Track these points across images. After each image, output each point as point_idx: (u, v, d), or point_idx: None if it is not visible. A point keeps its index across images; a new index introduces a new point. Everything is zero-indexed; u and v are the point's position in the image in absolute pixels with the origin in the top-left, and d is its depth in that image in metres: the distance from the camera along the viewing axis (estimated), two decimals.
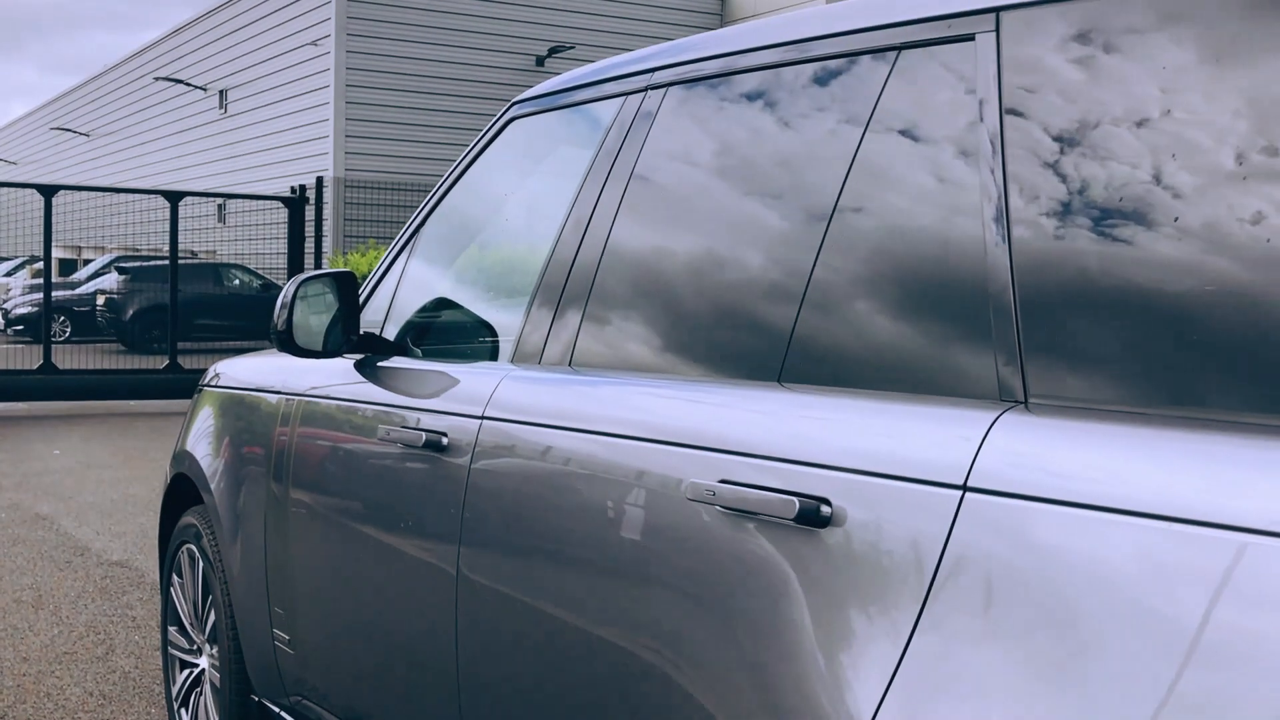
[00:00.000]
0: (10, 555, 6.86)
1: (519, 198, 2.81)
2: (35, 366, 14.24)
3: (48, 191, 14.21)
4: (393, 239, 3.14)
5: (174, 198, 14.87)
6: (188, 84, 31.76)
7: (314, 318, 2.95)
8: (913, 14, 1.80)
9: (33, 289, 24.59)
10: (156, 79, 33.53)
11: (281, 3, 27.43)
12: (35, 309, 23.36)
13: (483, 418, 2.35)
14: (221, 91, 30.46)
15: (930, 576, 1.46)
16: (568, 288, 2.32)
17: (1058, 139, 1.56)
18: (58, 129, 42.94)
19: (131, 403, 14.61)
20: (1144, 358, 1.42)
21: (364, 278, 2.97)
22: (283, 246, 16.27)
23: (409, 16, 25.47)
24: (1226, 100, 1.40)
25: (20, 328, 23.96)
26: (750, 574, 1.69)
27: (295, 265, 15.73)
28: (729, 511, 1.74)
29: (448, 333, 2.95)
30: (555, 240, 2.39)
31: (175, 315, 14.98)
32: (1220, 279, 1.37)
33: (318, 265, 16.35)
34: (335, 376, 3.00)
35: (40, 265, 25.72)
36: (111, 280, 22.78)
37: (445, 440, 2.43)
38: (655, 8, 27.88)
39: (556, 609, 2.09)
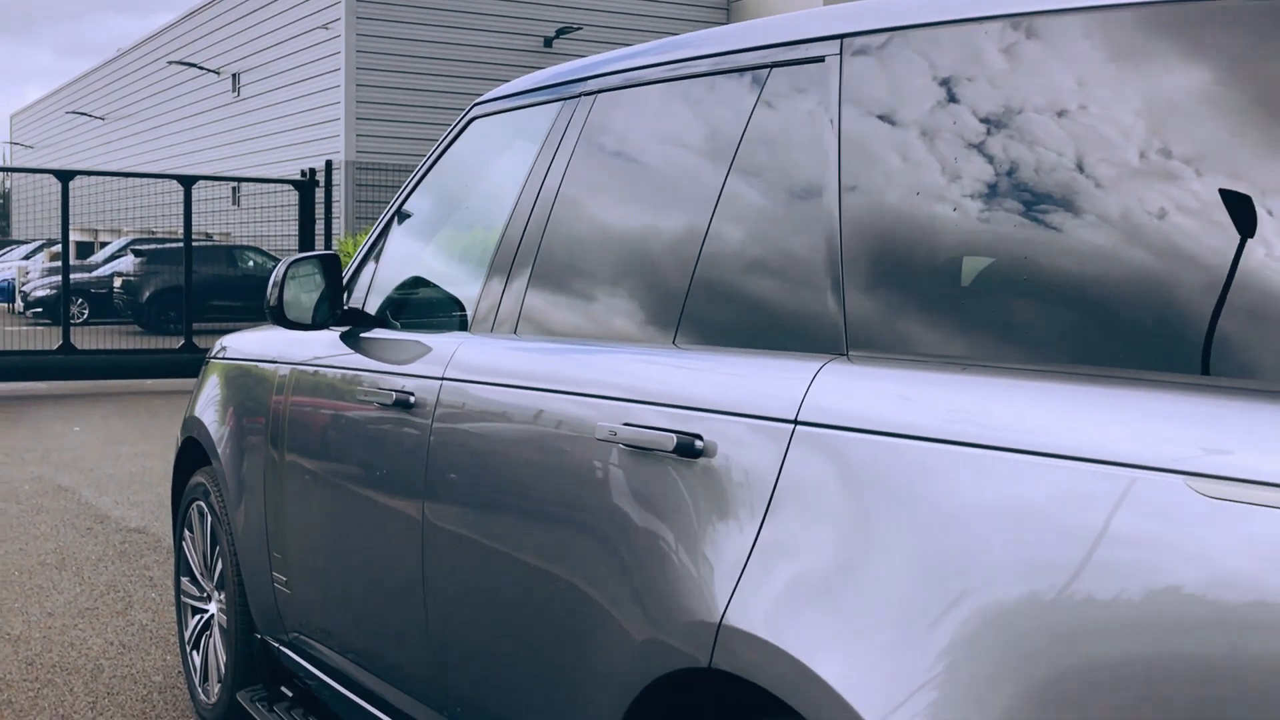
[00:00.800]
0: (35, 523, 7.29)
1: (478, 187, 3.20)
2: (55, 347, 14.69)
3: (65, 177, 14.63)
4: None
5: (187, 182, 15.28)
6: (201, 68, 32.16)
7: (304, 295, 3.34)
8: (782, 38, 2.19)
9: (50, 272, 25.07)
10: (170, 63, 33.94)
11: None
12: (53, 291, 23.85)
13: (442, 379, 2.74)
14: (235, 75, 30.85)
15: (771, 488, 1.85)
16: (514, 266, 2.71)
17: (881, 142, 1.94)
18: (73, 113, 43.41)
19: (148, 382, 15.06)
20: (931, 322, 1.80)
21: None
22: (295, 228, 16.68)
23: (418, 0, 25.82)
24: (995, 110, 1.78)
25: (39, 310, 24.45)
26: (644, 495, 2.08)
27: (306, 246, 16.15)
28: (628, 448, 2.13)
29: (419, 306, 3.34)
30: (505, 225, 2.78)
31: (190, 296, 15.41)
32: (983, 265, 1.75)
33: (327, 246, 16.75)
34: (323, 347, 3.40)
35: (57, 248, 26.23)
36: (128, 263, 23.25)
37: (412, 399, 2.82)
38: None
39: (502, 535, 2.48)
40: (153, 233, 27.08)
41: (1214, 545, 1.35)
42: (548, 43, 26.99)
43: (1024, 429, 1.57)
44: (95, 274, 24.65)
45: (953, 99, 1.85)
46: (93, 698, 4.41)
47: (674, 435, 2.02)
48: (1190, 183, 1.55)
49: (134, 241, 25.12)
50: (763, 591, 1.83)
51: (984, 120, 1.80)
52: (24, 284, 26.51)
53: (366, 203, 24.42)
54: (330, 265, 3.29)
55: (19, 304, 26.15)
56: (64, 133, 45.91)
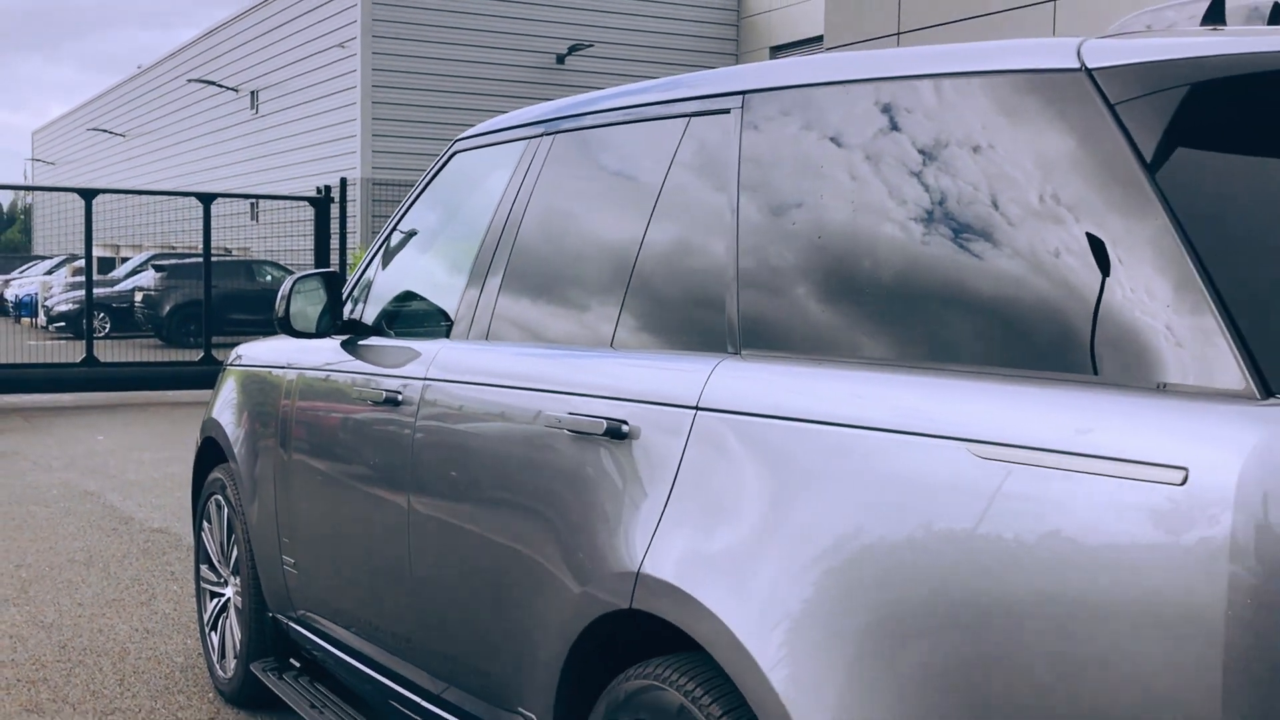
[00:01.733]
0: (63, 524, 7.74)
1: (459, 212, 3.63)
2: (78, 360, 15.19)
3: (88, 195, 15.14)
4: None
5: (206, 199, 15.79)
6: (220, 85, 32.77)
7: (309, 307, 3.78)
8: (700, 92, 2.62)
9: (72, 286, 25.63)
10: (190, 80, 34.57)
11: (309, 6, 28.36)
12: (75, 306, 24.42)
13: (425, 379, 3.17)
14: (253, 93, 31.45)
15: (678, 462, 2.28)
16: (487, 281, 3.14)
17: (768, 181, 2.36)
18: (94, 129, 44.12)
19: (169, 393, 15.54)
20: (803, 327, 2.23)
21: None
22: (311, 243, 17.18)
23: (432, 18, 26.35)
24: (856, 154, 2.21)
25: (62, 324, 25.03)
26: (581, 472, 2.51)
27: (321, 261, 16.63)
28: (571, 432, 2.56)
29: (409, 316, 3.77)
30: (479, 245, 3.22)
31: (209, 310, 15.90)
32: (841, 283, 2.18)
33: (342, 260, 17.23)
34: (325, 354, 3.84)
35: (78, 263, 26.81)
36: (148, 278, 23.80)
37: (400, 397, 3.26)
38: (672, 4, 28.63)
39: (471, 510, 2.91)
40: (173, 248, 27.66)
41: (982, 504, 1.77)
42: (560, 60, 27.49)
43: (863, 410, 1.99)
44: (116, 289, 25.21)
45: (823, 144, 2.28)
46: (120, 676, 4.85)
47: (605, 421, 2.45)
48: (998, 218, 1.97)
49: (154, 257, 25.67)
50: (670, 546, 2.25)
51: (846, 162, 2.23)
52: (47, 299, 27.09)
53: (381, 217, 24.92)
54: (332, 281, 3.74)
55: (41, 318, 26.73)
56: (85, 149, 46.64)
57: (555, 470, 2.61)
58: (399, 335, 3.66)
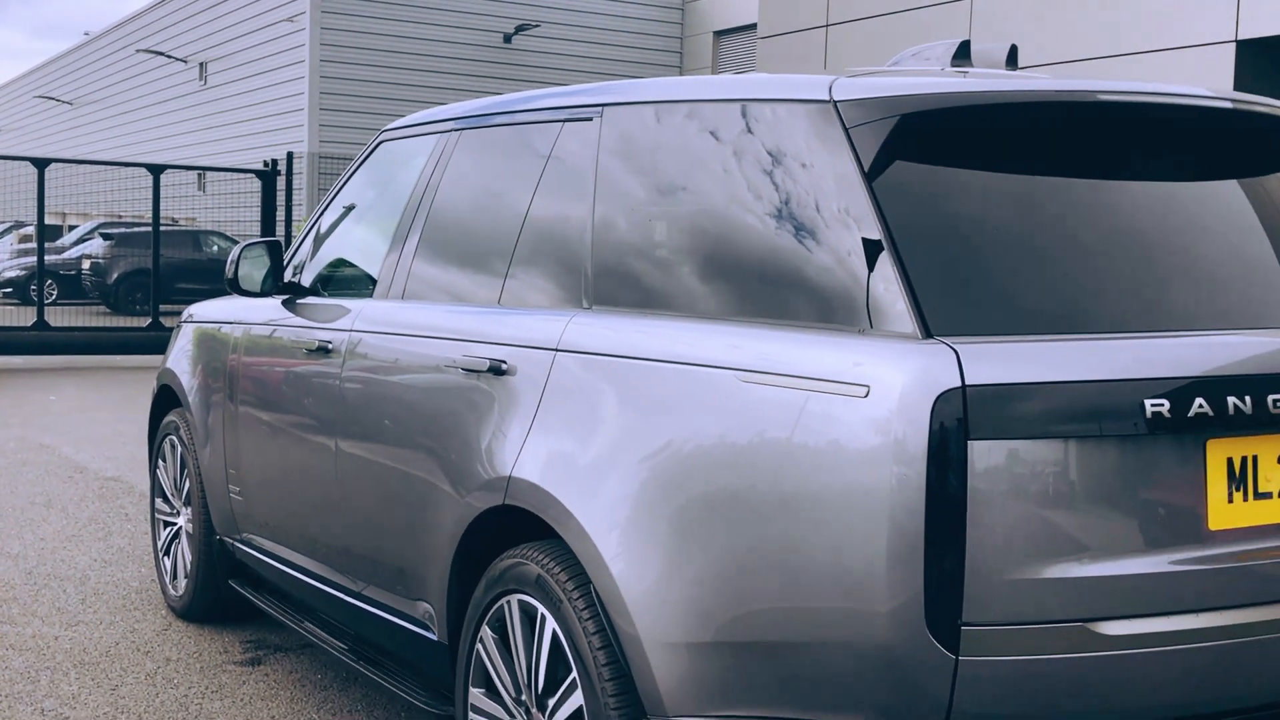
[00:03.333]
0: (22, 472, 8.32)
1: (383, 192, 4.28)
2: (29, 324, 15.65)
3: (41, 164, 15.57)
4: None
5: (156, 170, 16.27)
6: (169, 56, 32.98)
7: (255, 271, 4.42)
8: (572, 103, 3.30)
9: (20, 254, 25.91)
10: (139, 50, 34.73)
11: None
12: (23, 272, 24.72)
13: (351, 330, 3.84)
14: (202, 64, 31.69)
15: (542, 391, 2.96)
16: (403, 250, 3.80)
17: (619, 175, 3.04)
18: (42, 97, 44.06)
19: (117, 358, 16.04)
20: (638, 288, 2.91)
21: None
22: (257, 214, 17.69)
23: None
24: (685, 158, 2.89)
25: (9, 289, 25.31)
26: (472, 401, 3.19)
27: (268, 232, 17.14)
28: (464, 371, 3.23)
29: (339, 279, 4.42)
30: (398, 221, 3.88)
31: (158, 277, 16.40)
32: (662, 256, 2.87)
33: (288, 232, 17.74)
34: (268, 311, 4.48)
35: (25, 230, 27.05)
36: (96, 246, 24.13)
37: (330, 346, 3.92)
38: None
39: (387, 435, 3.58)
40: (120, 217, 27.95)
41: (744, 414, 2.47)
42: (507, 39, 27.98)
43: (671, 349, 2.68)
44: (64, 256, 25.50)
45: (654, 148, 2.97)
46: (82, 596, 5.48)
47: (489, 361, 3.13)
48: (766, 209, 2.66)
49: (102, 225, 25.98)
50: (535, 455, 2.94)
51: (667, 163, 2.92)
52: None
53: (328, 190, 25.35)
54: (274, 248, 4.38)
55: None
56: (31, 116, 46.50)
57: (451, 401, 3.29)
58: (331, 295, 4.31)
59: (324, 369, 3.95)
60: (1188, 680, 2.37)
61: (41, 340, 15.41)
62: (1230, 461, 2.37)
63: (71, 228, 29.64)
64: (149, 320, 16.11)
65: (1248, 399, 2.34)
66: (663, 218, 2.93)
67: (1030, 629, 2.25)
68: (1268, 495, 2.41)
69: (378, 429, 3.66)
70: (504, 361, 3.11)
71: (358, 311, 3.89)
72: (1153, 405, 2.28)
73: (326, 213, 4.51)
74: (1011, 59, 3.09)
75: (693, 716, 2.52)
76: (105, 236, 23.73)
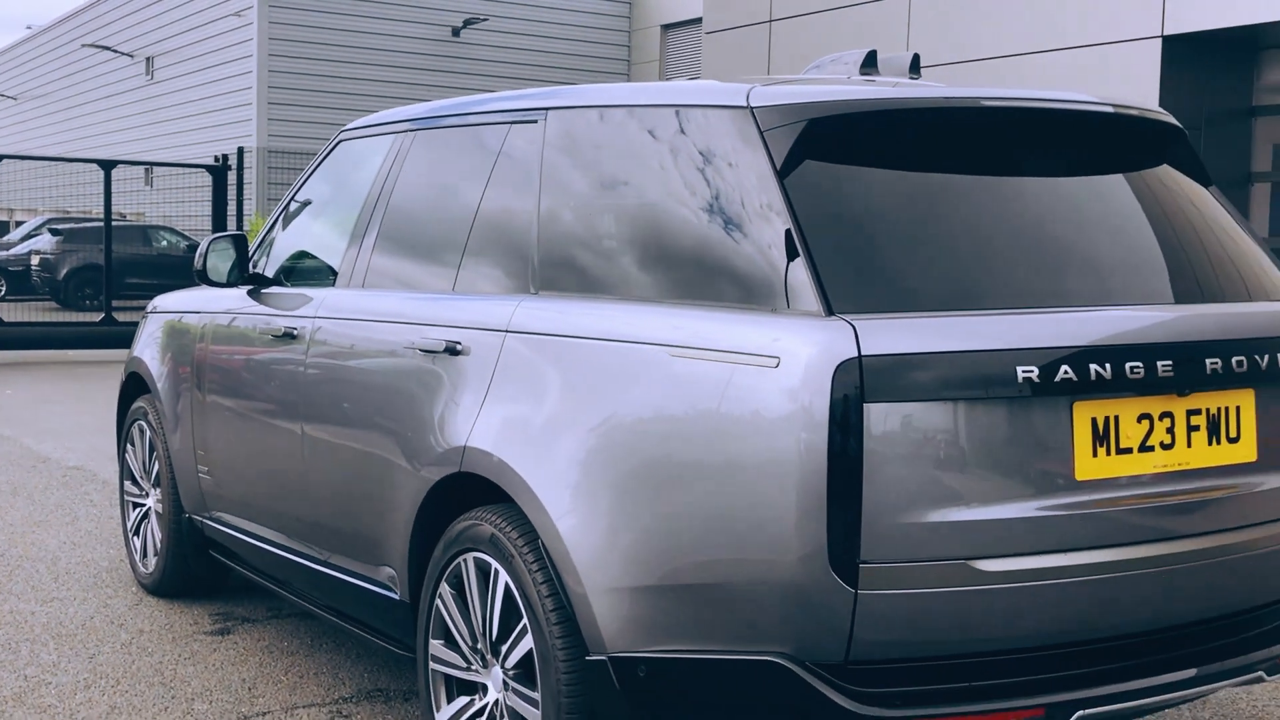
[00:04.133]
0: None
1: (343, 188, 4.57)
2: None
3: None
4: None
5: (108, 165, 16.40)
6: (115, 50, 32.90)
7: (221, 263, 4.70)
8: (519, 106, 3.61)
9: None
10: (84, 45, 34.60)
11: None
12: None
13: (315, 317, 4.13)
14: (148, 59, 31.66)
15: (494, 368, 3.28)
16: (363, 243, 4.10)
17: (562, 172, 3.36)
18: None
19: (71, 353, 16.16)
20: (578, 274, 3.24)
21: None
22: (208, 209, 17.84)
23: None
24: (616, 157, 3.21)
25: None
26: (429, 380, 3.50)
27: (219, 227, 17.30)
28: (422, 351, 3.54)
29: (303, 271, 4.71)
30: (358, 215, 4.18)
31: (110, 272, 16.53)
32: (599, 246, 3.20)
33: (239, 227, 17.91)
34: (233, 301, 4.76)
35: None
36: (45, 241, 24.15)
37: (295, 331, 4.21)
38: None
39: (350, 413, 3.89)
40: (67, 212, 27.92)
41: (672, 386, 2.80)
42: (455, 33, 28.16)
43: (609, 328, 3.01)
44: (12, 252, 25.48)
45: (591, 147, 3.29)
46: (54, 575, 5.74)
47: (445, 342, 3.44)
48: (691, 203, 2.98)
49: (50, 221, 25.96)
50: (488, 426, 3.25)
51: (604, 162, 3.24)
52: None
53: (278, 185, 25.44)
54: (240, 241, 4.67)
55: None
56: None
57: (410, 380, 3.60)
58: (294, 284, 4.60)
59: (289, 354, 4.24)
60: (1058, 611, 2.72)
61: None
62: (1094, 420, 2.73)
63: (19, 224, 29.57)
64: (101, 315, 16.23)
65: (1108, 366, 2.70)
66: (602, 211, 3.25)
67: (919, 566, 2.59)
68: (1128, 450, 2.77)
69: (341, 408, 3.96)
70: (459, 343, 3.42)
71: (320, 300, 4.18)
72: (1024, 372, 2.63)
73: (289, 208, 4.80)
74: (914, 66, 3.44)
75: (629, 652, 2.85)
76: (54, 232, 23.74)
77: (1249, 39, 12.96)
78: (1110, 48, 13.25)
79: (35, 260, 23.89)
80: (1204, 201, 3.27)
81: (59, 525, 6.72)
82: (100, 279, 16.60)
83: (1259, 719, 4.21)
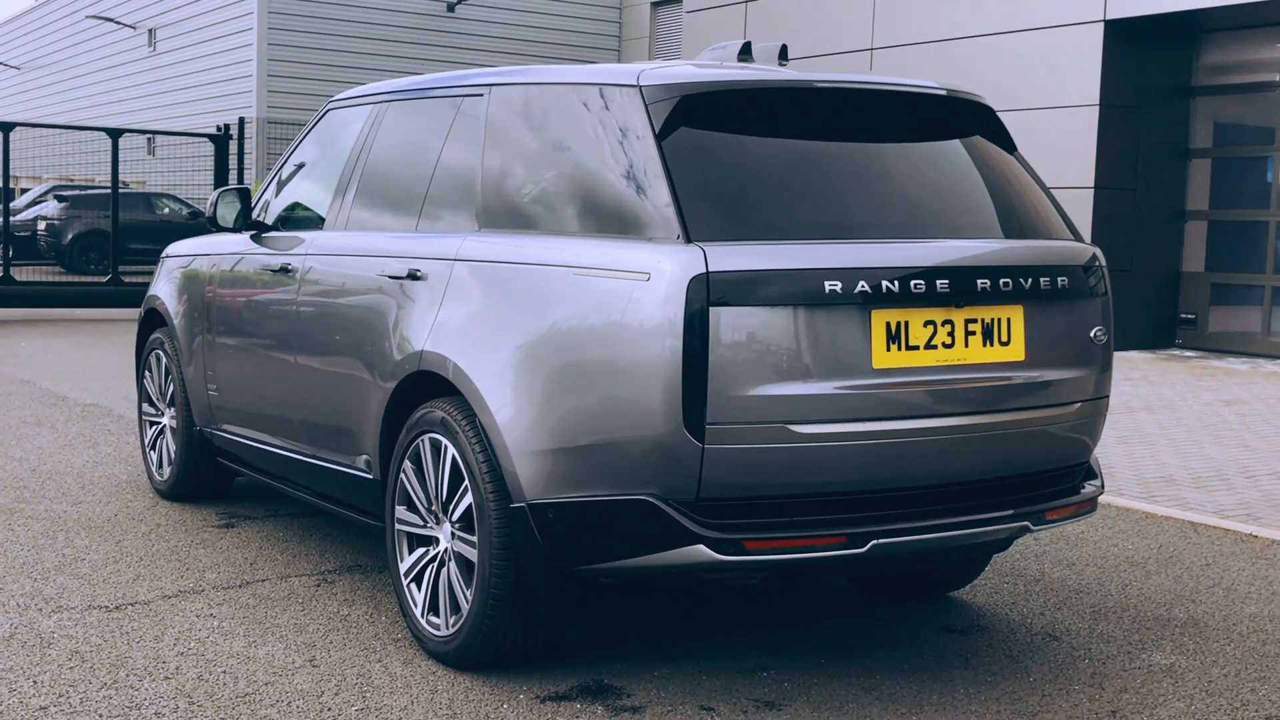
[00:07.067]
0: (8, 402, 9.43)
1: (330, 150, 5.46)
2: None
3: (5, 128, 16.51)
4: None
5: (114, 134, 17.26)
6: (118, 22, 33.65)
7: (228, 212, 5.60)
8: (469, 83, 4.51)
9: None
10: (88, 17, 35.33)
11: None
12: None
13: (306, 254, 5.03)
14: (150, 30, 32.40)
15: (444, 289, 4.18)
16: (346, 193, 5.00)
17: (501, 136, 4.26)
18: None
19: (79, 311, 17.06)
20: (512, 215, 4.13)
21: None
22: (208, 178, 18.71)
23: None
24: (536, 126, 4.11)
25: None
26: (396, 301, 4.40)
27: None
28: (389, 278, 4.45)
29: (296, 219, 5.61)
30: (342, 172, 5.07)
31: (117, 236, 17.40)
32: (524, 193, 4.11)
33: None
34: (238, 245, 5.66)
35: None
36: (51, 207, 24.95)
37: (290, 266, 5.11)
38: None
39: (332, 330, 4.79)
40: (71, 180, 28.72)
41: (577, 297, 3.70)
42: (450, 8, 28.91)
43: (532, 255, 3.90)
44: (19, 218, 26.28)
45: (521, 117, 4.19)
46: (81, 485, 6.64)
47: (407, 270, 4.35)
48: (590, 164, 3.87)
49: (55, 188, 26.73)
50: (441, 333, 4.15)
51: (538, 128, 4.14)
52: None
53: (276, 155, 26.25)
54: (244, 193, 5.57)
55: None
56: None
57: (380, 302, 4.50)
58: (289, 229, 5.50)
59: (286, 284, 5.14)
60: (858, 466, 3.63)
61: (8, 293, 16.39)
62: (888, 324, 3.63)
63: (23, 190, 30.34)
64: (109, 275, 17.10)
65: (897, 283, 3.60)
66: (530, 165, 4.15)
67: (750, 427, 3.50)
68: (916, 347, 3.67)
69: (327, 328, 4.86)
70: (418, 270, 4.32)
71: (311, 241, 5.08)
72: (830, 285, 3.53)
73: (285, 167, 5.69)
74: (782, 54, 4.33)
75: (541, 499, 3.75)
76: (60, 199, 24.53)
77: (1189, 22, 13.82)
78: (1052, 31, 14.12)
79: (41, 226, 24.68)
80: (1007, 164, 4.17)
81: (82, 448, 7.63)
82: (104, 244, 17.48)
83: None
